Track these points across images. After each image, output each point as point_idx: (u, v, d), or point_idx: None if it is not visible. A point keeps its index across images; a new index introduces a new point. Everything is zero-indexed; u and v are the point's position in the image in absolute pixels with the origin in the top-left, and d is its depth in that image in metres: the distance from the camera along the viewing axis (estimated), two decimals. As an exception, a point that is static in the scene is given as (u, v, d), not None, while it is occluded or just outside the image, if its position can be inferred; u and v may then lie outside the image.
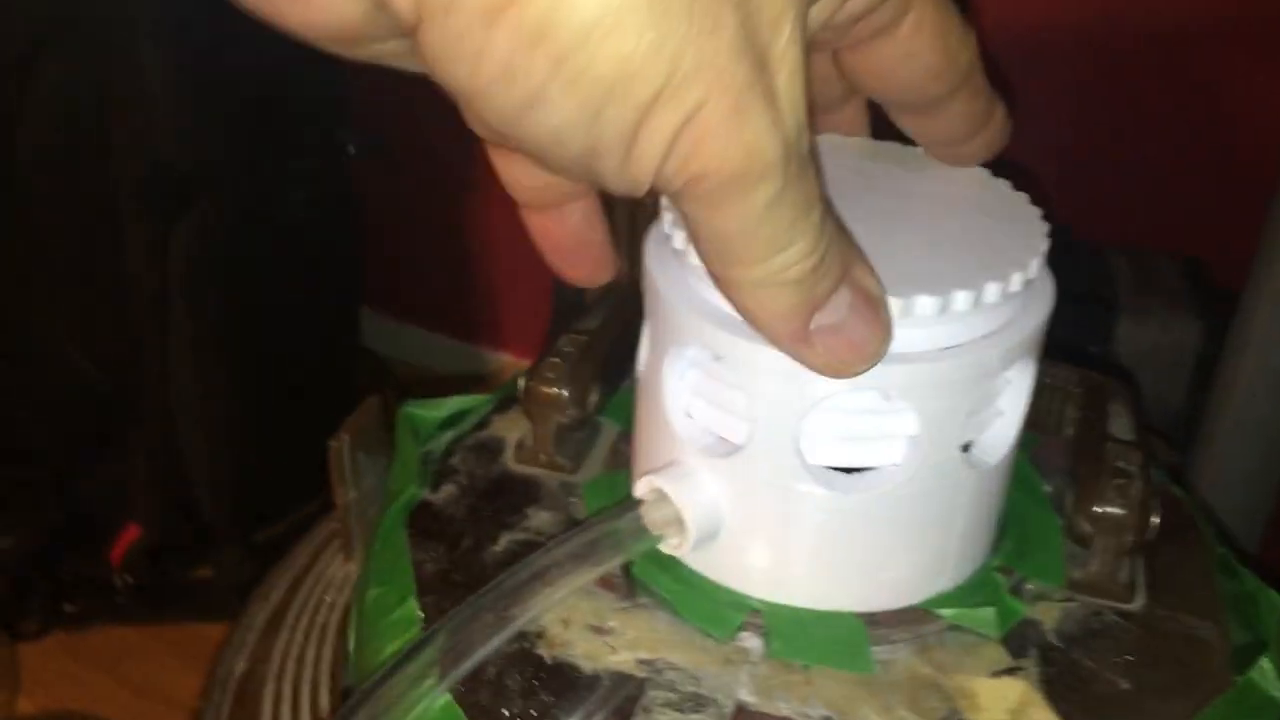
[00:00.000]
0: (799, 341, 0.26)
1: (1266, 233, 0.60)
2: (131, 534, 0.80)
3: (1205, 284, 0.65)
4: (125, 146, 0.71)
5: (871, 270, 0.26)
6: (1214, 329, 0.63)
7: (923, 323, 0.27)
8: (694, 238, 0.25)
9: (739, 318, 0.28)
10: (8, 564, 0.79)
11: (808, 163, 0.23)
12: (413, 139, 0.94)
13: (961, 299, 0.27)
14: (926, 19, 0.27)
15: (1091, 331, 0.62)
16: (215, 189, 0.73)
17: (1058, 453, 0.36)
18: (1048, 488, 0.35)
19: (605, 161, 0.22)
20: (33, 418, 0.79)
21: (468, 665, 0.28)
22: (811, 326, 0.25)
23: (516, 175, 0.29)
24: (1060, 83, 0.78)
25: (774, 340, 0.26)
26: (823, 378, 0.27)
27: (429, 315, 1.07)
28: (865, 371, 0.26)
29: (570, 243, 0.30)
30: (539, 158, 0.23)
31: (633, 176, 0.23)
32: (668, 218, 0.29)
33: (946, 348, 0.27)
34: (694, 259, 0.28)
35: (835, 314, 0.25)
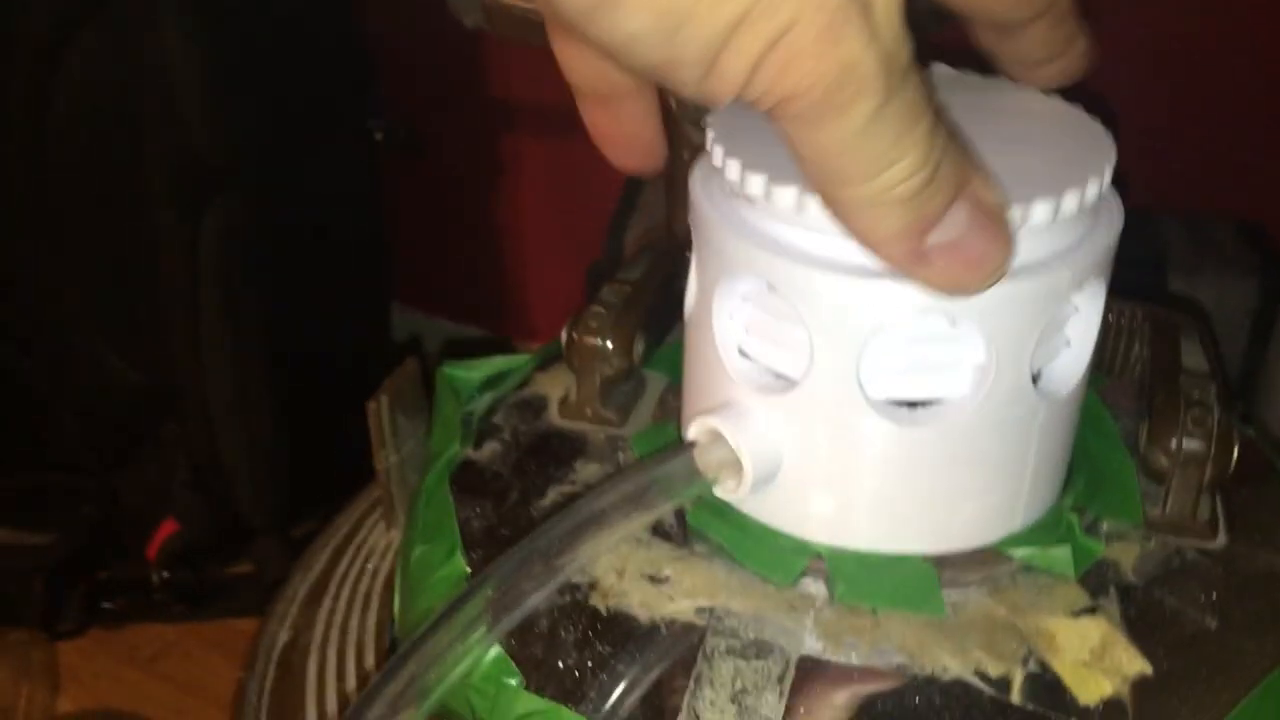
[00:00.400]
0: (915, 261, 0.24)
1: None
2: (168, 530, 0.79)
3: (1262, 245, 0.63)
4: (155, 138, 0.70)
5: (991, 181, 0.24)
6: (1270, 290, 0.61)
7: None
8: (796, 157, 0.23)
9: (792, 243, 0.27)
10: (46, 563, 0.79)
11: (909, 73, 0.22)
12: (441, 128, 0.94)
13: (1040, 210, 0.25)
14: None
15: (1145, 297, 0.61)
16: (245, 178, 0.72)
17: (1128, 393, 0.34)
18: (1119, 426, 0.33)
19: (683, 74, 0.21)
20: (69, 417, 0.79)
21: (517, 614, 0.27)
22: (928, 244, 0.24)
23: (577, 64, 0.28)
24: (1107, 47, 0.76)
25: (889, 261, 0.24)
26: (883, 303, 0.26)
27: (458, 308, 1.06)
28: (987, 288, 0.25)
29: (623, 136, 0.29)
30: (612, 58, 0.22)
31: (713, 93, 0.22)
32: (710, 134, 0.28)
33: (1017, 267, 0.26)
34: (732, 175, 0.27)
35: (952, 230, 0.24)
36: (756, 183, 0.26)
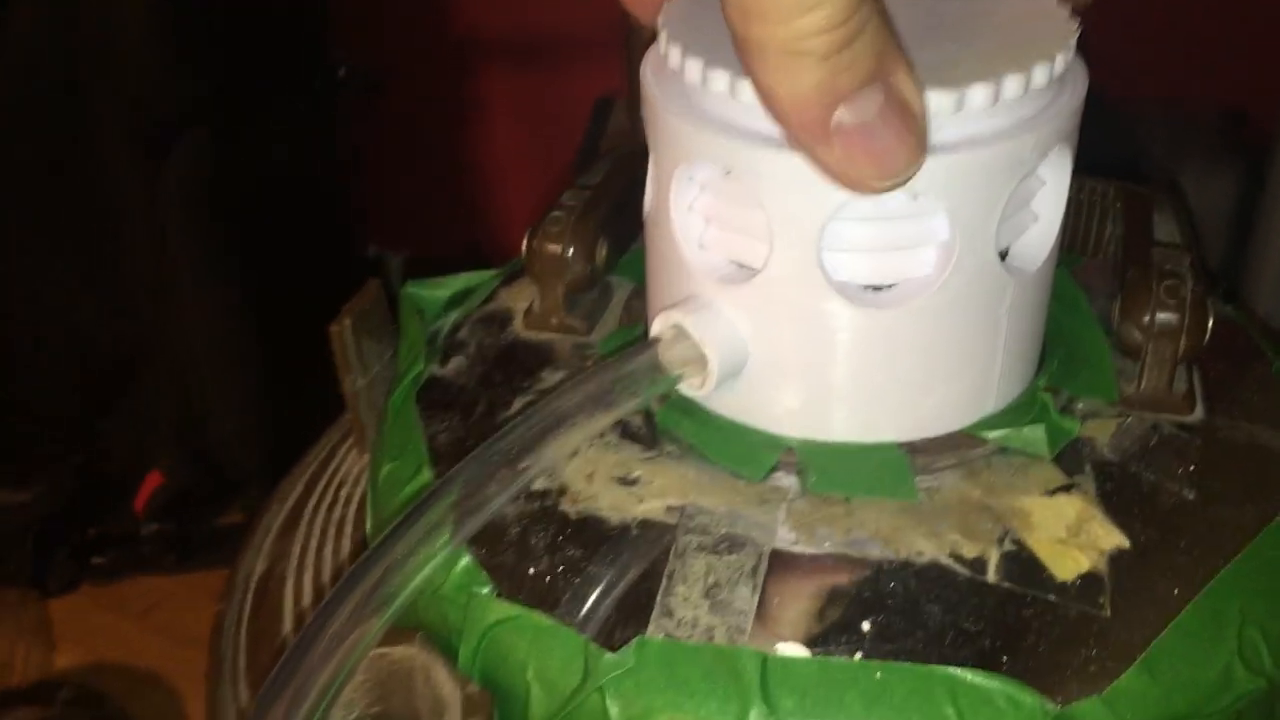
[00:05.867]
0: (815, 135, 0.23)
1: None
2: (154, 481, 0.79)
3: (1244, 132, 0.62)
4: (105, 89, 0.69)
5: (915, 79, 0.23)
6: (1253, 176, 0.60)
7: (947, 115, 0.25)
8: None
9: (748, 125, 0.26)
10: (31, 521, 0.78)
11: None
12: (405, 66, 0.92)
13: (979, 93, 0.24)
14: None
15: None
16: (201, 123, 0.71)
17: (1102, 273, 0.33)
18: (1094, 306, 0.32)
19: None
20: (46, 374, 0.78)
21: (480, 518, 0.26)
22: (833, 123, 0.23)
23: None
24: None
25: (789, 129, 0.23)
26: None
27: (431, 245, 1.05)
28: (886, 190, 0.24)
29: None
30: None
31: None
32: (662, 24, 0.27)
33: (978, 136, 0.25)
34: (690, 73, 0.26)
35: (861, 113, 0.22)
36: (694, 67, 0.25)
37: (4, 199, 0.73)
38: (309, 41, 0.82)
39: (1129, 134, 0.61)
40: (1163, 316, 0.29)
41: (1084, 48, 0.28)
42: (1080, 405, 0.30)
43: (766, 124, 0.25)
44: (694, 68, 0.26)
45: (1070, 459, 0.28)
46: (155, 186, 0.71)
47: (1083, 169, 0.29)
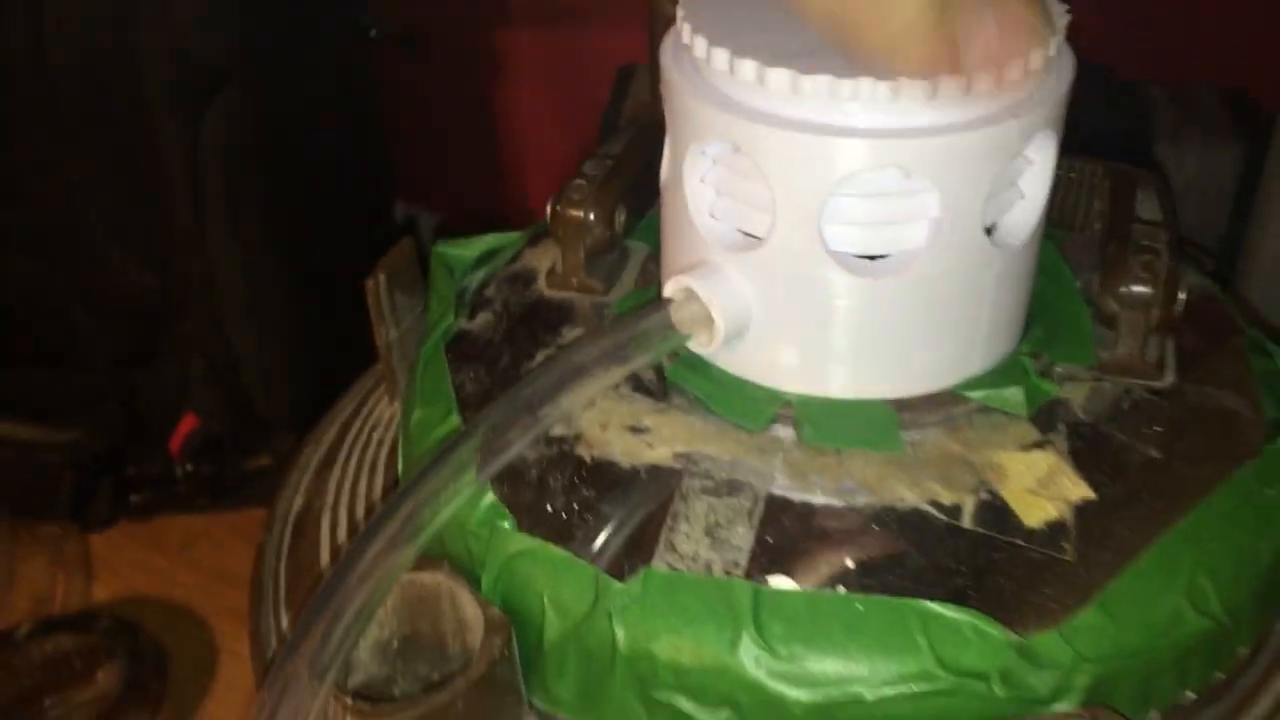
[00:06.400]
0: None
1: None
2: (188, 424, 0.82)
3: (1246, 113, 0.64)
4: (151, 43, 0.71)
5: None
6: (1256, 157, 0.62)
7: (945, 101, 0.27)
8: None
9: (755, 106, 0.28)
10: (74, 459, 0.82)
11: None
12: (435, 23, 0.94)
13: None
14: None
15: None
16: (241, 79, 0.73)
17: (1087, 248, 0.36)
18: (1078, 281, 0.35)
19: None
20: (86, 319, 0.81)
21: (503, 458, 0.29)
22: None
23: None
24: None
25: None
26: (840, 157, 0.27)
27: (458, 199, 1.07)
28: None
29: None
30: None
31: None
32: (681, 13, 0.29)
33: (967, 121, 0.27)
34: (699, 52, 0.28)
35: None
36: (721, 57, 0.28)
37: (51, 152, 0.75)
38: (343, 2, 0.84)
39: (1135, 111, 0.63)
40: (1137, 289, 0.31)
41: (1072, 35, 0.30)
42: (1059, 369, 0.32)
43: (772, 104, 0.28)
44: (707, 51, 0.28)
45: (1046, 418, 0.31)
46: (195, 139, 0.73)
47: (1078, 147, 0.32)
